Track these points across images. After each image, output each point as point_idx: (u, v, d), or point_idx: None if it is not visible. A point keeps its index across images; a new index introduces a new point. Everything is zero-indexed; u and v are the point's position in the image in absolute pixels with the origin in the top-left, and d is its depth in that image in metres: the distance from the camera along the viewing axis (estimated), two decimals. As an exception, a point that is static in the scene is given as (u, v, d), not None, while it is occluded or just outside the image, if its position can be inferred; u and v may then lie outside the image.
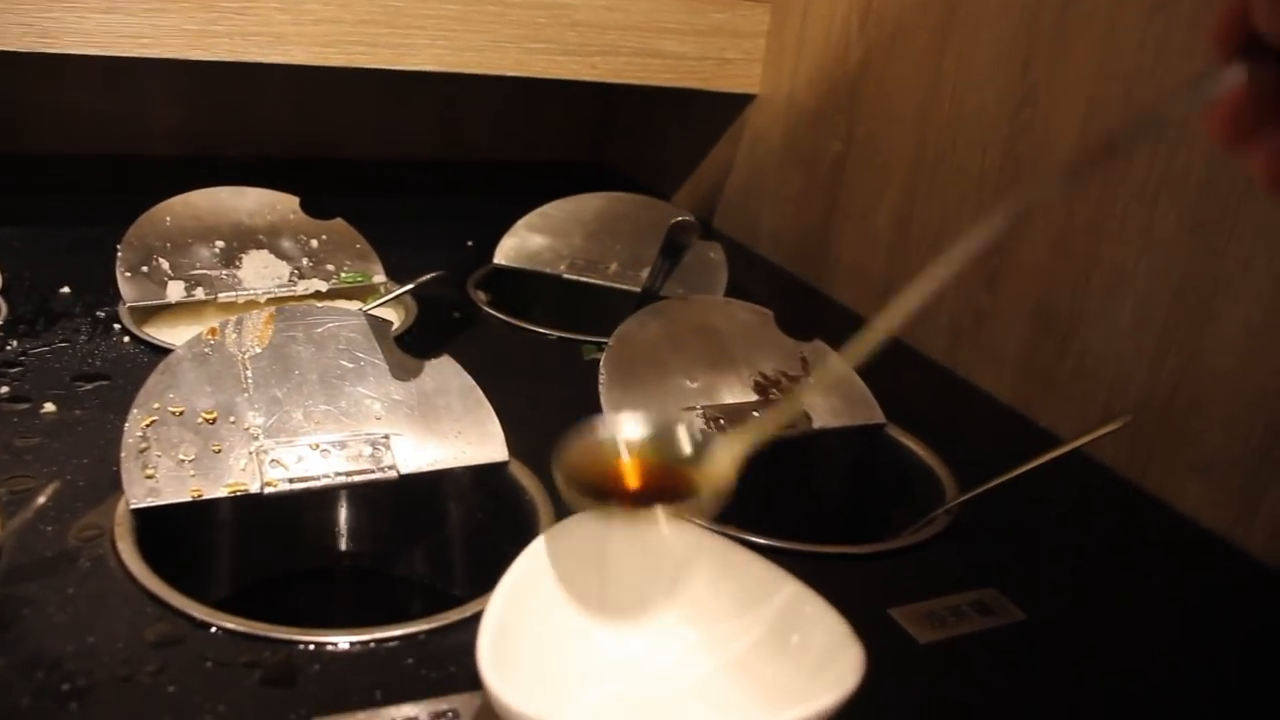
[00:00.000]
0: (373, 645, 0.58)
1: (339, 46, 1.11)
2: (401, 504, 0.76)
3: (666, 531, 0.58)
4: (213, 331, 0.74)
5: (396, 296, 1.00)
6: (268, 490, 0.68)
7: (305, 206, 1.06)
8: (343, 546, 0.78)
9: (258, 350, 0.74)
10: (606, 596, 0.57)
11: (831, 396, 0.87)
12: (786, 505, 0.86)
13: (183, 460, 0.68)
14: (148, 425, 0.68)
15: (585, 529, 0.58)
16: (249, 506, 0.69)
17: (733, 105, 1.40)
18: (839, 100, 1.21)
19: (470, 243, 1.23)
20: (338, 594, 0.81)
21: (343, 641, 0.58)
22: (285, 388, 0.73)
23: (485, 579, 0.55)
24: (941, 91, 1.07)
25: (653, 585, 0.57)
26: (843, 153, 1.21)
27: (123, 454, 0.67)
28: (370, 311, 0.88)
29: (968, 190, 1.04)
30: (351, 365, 0.75)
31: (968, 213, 1.04)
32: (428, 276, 0.97)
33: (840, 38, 1.20)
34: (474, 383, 0.77)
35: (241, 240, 1.02)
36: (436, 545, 0.79)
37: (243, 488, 0.68)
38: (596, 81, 1.25)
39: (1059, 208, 0.93)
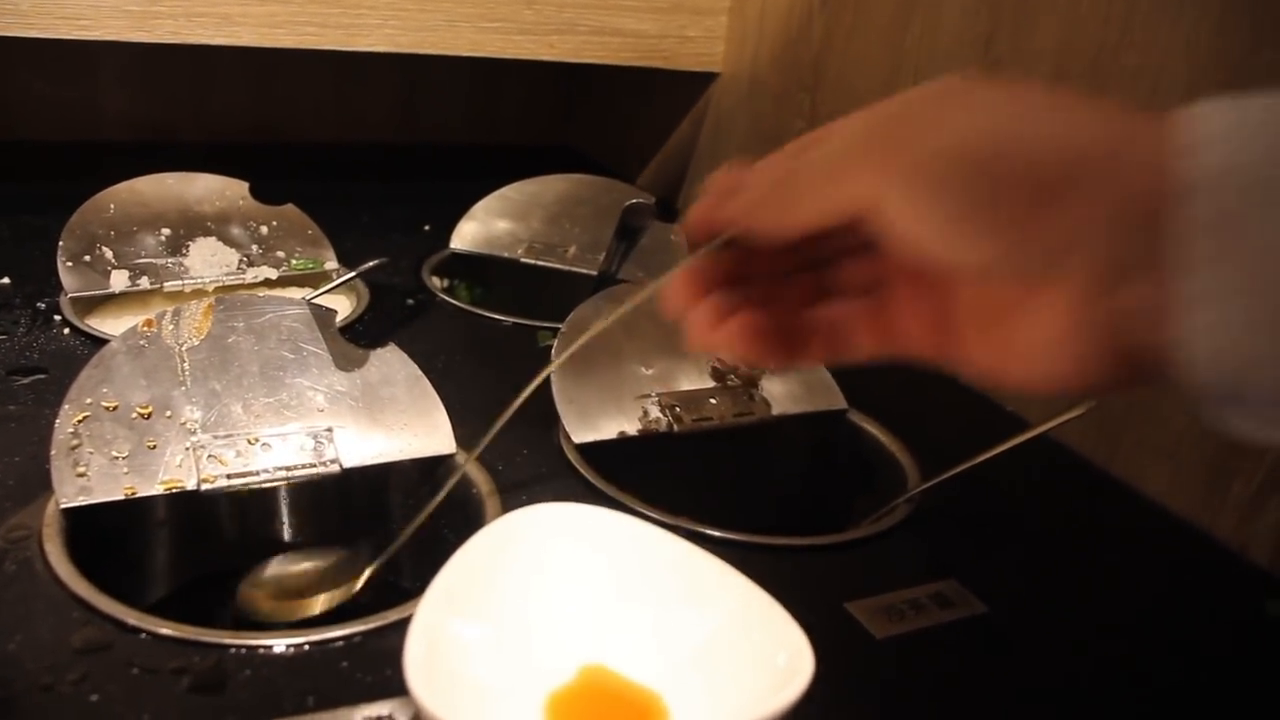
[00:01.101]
0: (307, 648, 0.56)
1: (287, 27, 1.08)
2: (345, 498, 0.74)
3: (612, 527, 0.57)
4: (149, 323, 0.71)
5: (341, 284, 0.97)
6: (205, 487, 0.66)
7: (255, 192, 1.03)
8: (286, 543, 0.76)
9: (195, 342, 0.72)
10: (549, 594, 0.55)
11: (792, 382, 0.85)
12: (744, 495, 0.84)
13: (116, 457, 0.65)
14: (79, 421, 0.66)
15: (526, 525, 0.56)
16: (186, 504, 0.67)
17: (695, 84, 1.37)
18: (802, 78, 1.19)
19: (427, 227, 1.20)
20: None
21: (276, 645, 0.56)
22: (224, 380, 0.71)
23: (433, 573, 0.53)
24: (904, 68, 1.05)
25: (597, 583, 0.55)
26: (806, 131, 1.19)
27: (53, 451, 0.64)
28: (318, 300, 0.86)
29: (931, 169, 1.02)
30: (293, 356, 0.73)
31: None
32: (371, 263, 0.95)
33: (803, 14, 1.18)
34: (420, 373, 0.75)
35: (189, 227, 0.99)
36: (383, 539, 0.76)
37: (179, 485, 0.66)
38: (555, 61, 1.22)
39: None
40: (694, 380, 0.82)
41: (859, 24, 1.10)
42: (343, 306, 0.98)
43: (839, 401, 0.86)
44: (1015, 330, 0.37)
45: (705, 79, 1.35)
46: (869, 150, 0.38)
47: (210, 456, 0.67)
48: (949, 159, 0.35)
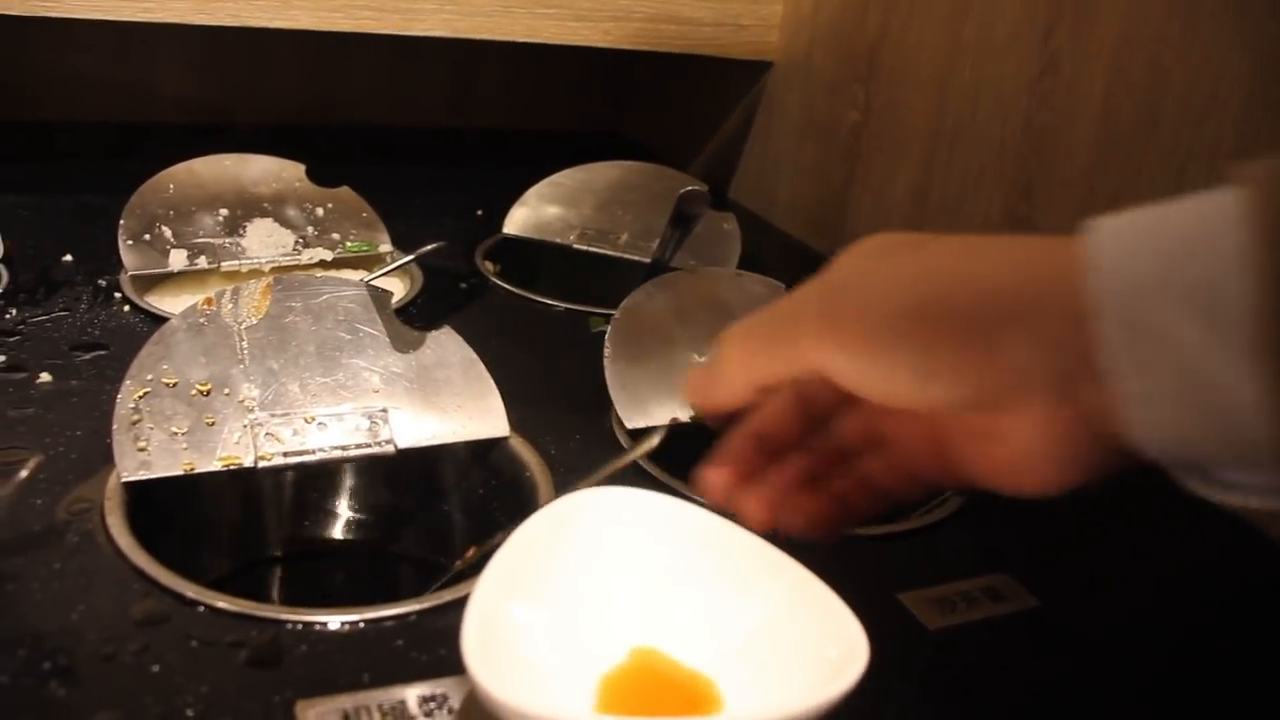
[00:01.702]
0: (362, 626, 0.56)
1: (345, 11, 1.08)
2: (399, 479, 0.75)
3: (666, 512, 0.57)
4: (209, 301, 0.72)
5: (398, 267, 0.98)
6: (262, 464, 0.67)
7: (311, 174, 1.04)
8: (339, 522, 0.77)
9: (254, 321, 0.73)
10: (603, 578, 0.55)
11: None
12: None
13: (175, 433, 0.66)
14: (140, 397, 0.67)
15: (581, 507, 0.56)
16: (243, 481, 0.68)
17: (749, 73, 1.37)
18: (857, 68, 1.18)
19: (480, 212, 1.21)
20: (335, 570, 0.80)
21: (331, 621, 0.56)
22: (281, 360, 0.71)
23: (485, 556, 0.53)
24: (961, 60, 1.04)
25: (651, 567, 0.55)
26: (860, 122, 1.18)
27: (114, 426, 0.65)
28: (373, 282, 0.87)
29: (987, 161, 1.01)
30: (350, 337, 0.74)
31: (987, 184, 1.01)
32: (429, 247, 0.95)
33: (858, 3, 1.17)
34: (475, 355, 0.75)
35: (246, 208, 1.00)
36: (435, 521, 0.77)
37: (236, 461, 0.66)
38: (609, 48, 1.22)
39: (1081, 182, 0.91)
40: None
41: (915, 14, 1.10)
42: (397, 289, 0.99)
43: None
44: (998, 446, 0.40)
45: (759, 68, 1.35)
46: (807, 314, 0.43)
47: (267, 434, 0.68)
48: (879, 316, 0.39)
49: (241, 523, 0.74)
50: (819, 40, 1.25)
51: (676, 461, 0.73)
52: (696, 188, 0.97)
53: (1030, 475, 0.41)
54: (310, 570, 0.78)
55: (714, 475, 0.49)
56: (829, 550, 0.68)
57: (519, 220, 1.14)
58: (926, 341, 0.38)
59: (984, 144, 1.01)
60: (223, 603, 0.56)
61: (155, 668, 0.52)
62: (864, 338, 0.39)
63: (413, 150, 1.51)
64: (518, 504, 0.71)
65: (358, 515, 0.77)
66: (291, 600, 0.75)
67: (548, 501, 0.66)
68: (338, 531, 0.78)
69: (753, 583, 0.54)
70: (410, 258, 0.97)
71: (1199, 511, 0.79)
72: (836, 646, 0.49)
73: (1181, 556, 0.75)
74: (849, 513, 0.49)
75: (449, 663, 0.54)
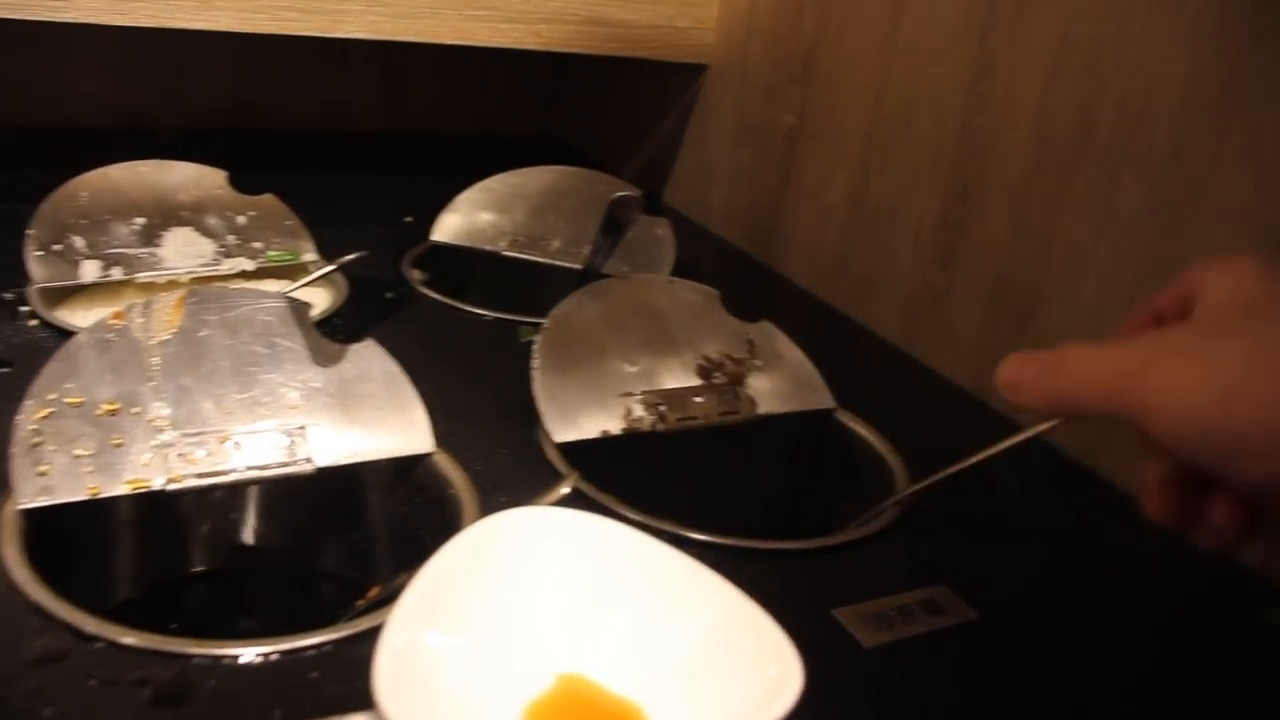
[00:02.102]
0: (276, 657, 0.54)
1: (268, 13, 1.05)
2: (320, 497, 0.72)
3: (595, 532, 0.55)
4: (118, 316, 0.69)
5: (319, 277, 0.95)
6: (172, 487, 0.64)
7: (233, 181, 1.01)
8: (257, 544, 0.74)
9: (166, 336, 0.69)
10: (528, 602, 0.53)
11: (778, 380, 0.83)
12: (729, 497, 0.82)
13: (80, 456, 0.63)
14: (42, 418, 0.63)
15: (505, 528, 0.54)
16: (152, 505, 0.65)
17: (684, 76, 1.35)
18: (793, 71, 1.17)
19: (409, 219, 1.18)
20: (254, 590, 0.76)
21: (242, 654, 0.53)
22: (195, 376, 0.68)
23: (408, 575, 0.51)
24: (897, 63, 1.03)
25: (578, 589, 0.53)
26: (796, 126, 1.17)
27: (13, 449, 0.62)
28: (295, 293, 0.84)
29: (923, 165, 1.00)
30: (267, 351, 0.71)
31: (923, 188, 1.00)
32: (350, 257, 0.93)
33: (794, 6, 1.16)
34: (398, 369, 0.72)
35: (163, 217, 0.97)
36: (359, 541, 0.75)
37: (145, 484, 0.63)
38: (542, 51, 1.20)
39: (1018, 186, 0.90)
40: (679, 378, 0.80)
41: (851, 17, 1.08)
42: (321, 299, 0.96)
43: (827, 400, 0.84)
44: None
45: (694, 71, 1.33)
46: (1151, 366, 0.41)
47: (179, 455, 0.65)
48: (1208, 392, 0.39)
49: (153, 546, 0.70)
50: (754, 43, 1.24)
51: (603, 477, 0.71)
52: (628, 193, 0.95)
53: None
54: (229, 591, 0.75)
55: (1157, 489, 0.47)
56: (760, 567, 0.66)
57: (448, 227, 1.11)
58: (1253, 433, 0.38)
59: (920, 148, 1.00)
60: (126, 637, 0.53)
61: (48, 711, 0.48)
62: (1186, 403, 0.40)
63: (341, 156, 1.48)
64: (442, 522, 0.68)
65: (277, 535, 0.74)
66: (208, 623, 0.72)
67: (472, 520, 0.64)
68: (257, 551, 0.75)
69: (683, 605, 0.52)
70: (331, 267, 0.94)
71: (1137, 518, 0.79)
72: (770, 671, 0.47)
73: (1120, 564, 0.74)
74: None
75: (367, 695, 0.51)
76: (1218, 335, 0.41)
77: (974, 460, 0.71)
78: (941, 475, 0.72)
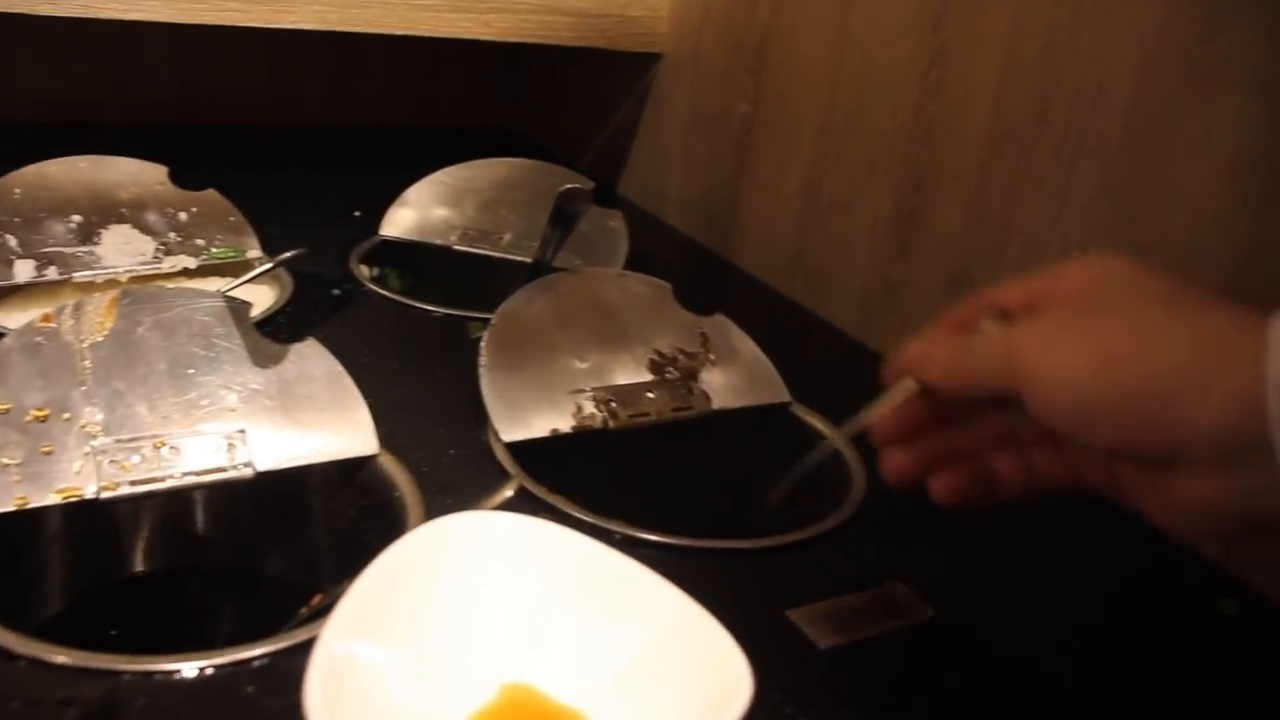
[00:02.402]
0: (210, 672, 0.52)
1: (208, 3, 1.03)
2: (261, 502, 0.70)
3: (540, 538, 0.53)
4: (47, 318, 0.67)
5: (257, 275, 0.92)
6: (105, 495, 0.61)
7: (174, 177, 0.98)
8: (199, 547, 0.72)
9: (98, 338, 0.67)
10: (471, 610, 0.51)
11: (733, 373, 0.82)
12: (683, 495, 0.81)
13: (7, 465, 0.60)
14: (-33, 425, 0.61)
15: (447, 534, 0.52)
16: (85, 514, 0.63)
17: (638, 65, 1.33)
18: (746, 60, 1.16)
19: (358, 213, 1.16)
20: (196, 597, 0.74)
21: (173, 669, 0.51)
22: (129, 379, 0.66)
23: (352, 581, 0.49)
24: (850, 50, 1.01)
25: (522, 596, 0.52)
26: (750, 115, 1.16)
27: (-64, 459, 0.60)
28: (236, 291, 0.82)
29: (878, 154, 0.99)
30: (205, 353, 0.69)
31: (878, 177, 0.99)
32: (289, 254, 0.91)
33: (747, -7, 1.15)
34: (341, 369, 0.71)
35: (101, 214, 0.94)
36: (304, 546, 0.73)
37: (77, 493, 0.61)
38: (492, 40, 1.18)
39: (973, 174, 0.89)
40: (631, 374, 0.79)
41: (804, 5, 1.07)
42: (265, 297, 0.94)
43: (782, 394, 0.83)
44: (1165, 493, 0.42)
45: (648, 60, 1.32)
46: (1036, 345, 0.44)
47: (112, 462, 0.63)
48: (1088, 367, 0.42)
49: (87, 558, 0.68)
50: (708, 31, 1.22)
51: (554, 476, 0.70)
52: (576, 185, 0.93)
53: (1173, 521, 0.43)
54: (167, 601, 0.73)
55: (890, 418, 0.52)
56: (713, 568, 0.65)
57: (397, 222, 1.09)
58: (1119, 395, 0.41)
59: (875, 137, 0.99)
60: (51, 655, 0.51)
61: (-34, 735, 0.47)
62: (1071, 379, 0.43)
63: (290, 150, 1.45)
64: (388, 526, 0.66)
65: (218, 542, 0.72)
66: (145, 636, 0.70)
67: (417, 524, 0.62)
68: (196, 559, 0.73)
69: (630, 611, 0.50)
70: (269, 265, 0.92)
71: (1096, 509, 0.79)
72: (719, 678, 0.46)
73: (1079, 557, 0.73)
74: (989, 490, 0.52)
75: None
76: (1093, 314, 0.44)
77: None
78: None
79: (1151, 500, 0.43)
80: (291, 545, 0.73)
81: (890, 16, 0.97)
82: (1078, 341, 0.43)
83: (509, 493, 0.60)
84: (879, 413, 0.52)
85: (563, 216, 0.91)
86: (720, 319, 0.85)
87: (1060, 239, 0.82)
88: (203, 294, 0.72)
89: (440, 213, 1.10)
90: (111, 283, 0.91)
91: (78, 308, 0.68)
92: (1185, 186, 0.73)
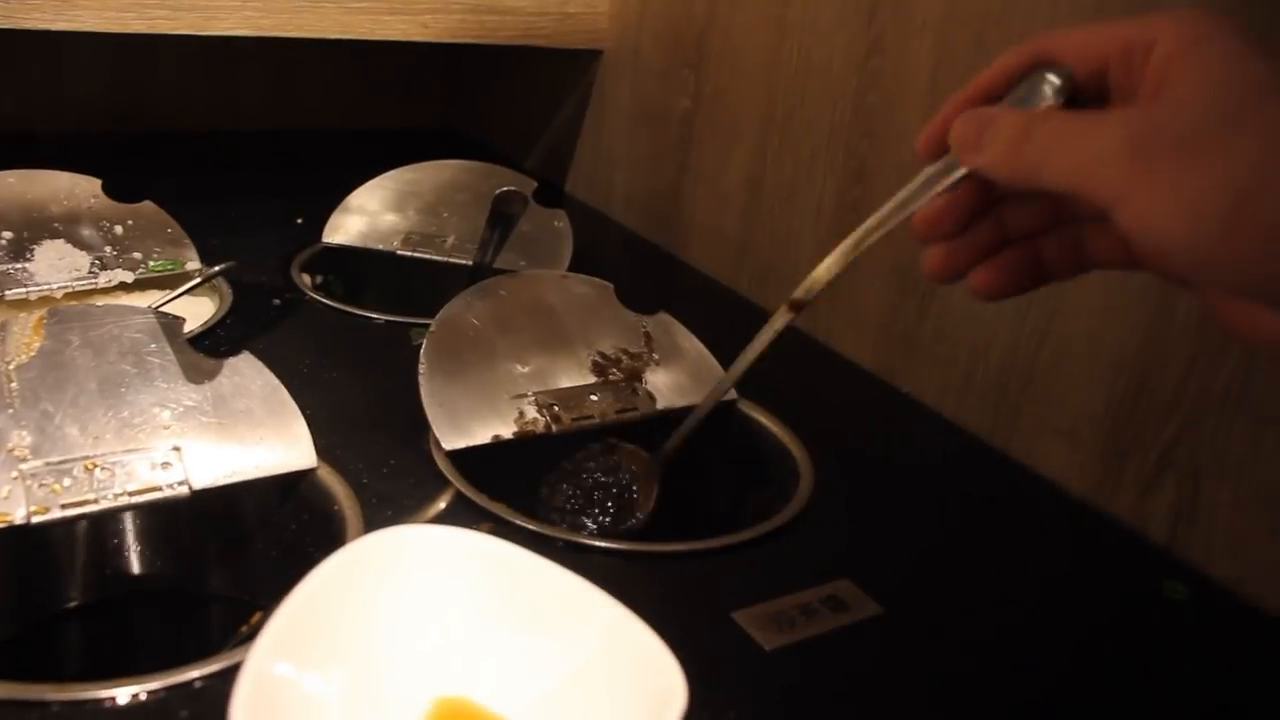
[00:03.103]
0: (143, 698, 0.51)
1: (136, 11, 1.01)
2: (200, 519, 0.69)
3: (475, 551, 0.52)
4: (-30, 340, 0.65)
5: (187, 290, 0.91)
6: (36, 520, 0.60)
7: (109, 189, 0.97)
8: (138, 568, 0.71)
9: (24, 359, 0.66)
10: (405, 625, 0.50)
11: (677, 373, 0.81)
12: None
13: (-69, 491, 0.59)
14: (-110, 453, 0.60)
15: (376, 551, 0.51)
16: (15, 540, 0.61)
17: (579, 63, 1.33)
18: (686, 54, 1.15)
19: (300, 220, 1.14)
20: (138, 619, 0.73)
21: (105, 697, 0.50)
22: (58, 400, 0.65)
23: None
24: (788, 43, 1.01)
25: (457, 611, 0.51)
26: (692, 110, 1.15)
27: None
28: (169, 305, 0.81)
29: (819, 146, 0.99)
30: (136, 370, 0.68)
31: (820, 168, 0.99)
32: (219, 267, 0.89)
33: (685, -12, 1.14)
34: (277, 381, 0.69)
35: (33, 230, 0.92)
36: (246, 563, 0.71)
37: (5, 519, 0.60)
38: (429, 42, 1.17)
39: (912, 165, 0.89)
40: (573, 376, 0.78)
41: (742, -2, 1.07)
42: (204, 310, 0.92)
43: (728, 391, 0.83)
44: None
45: (589, 57, 1.31)
46: (1133, 154, 0.37)
47: (42, 485, 0.62)
48: (1215, 206, 0.34)
49: (19, 584, 0.67)
50: (648, 27, 1.22)
51: (497, 484, 0.69)
52: (512, 187, 0.92)
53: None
54: (111, 621, 0.71)
55: (934, 212, 0.47)
56: (657, 571, 0.64)
57: (339, 228, 1.08)
58: (1248, 251, 0.34)
59: (815, 129, 0.99)
60: (-23, 687, 0.50)
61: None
62: (1187, 202, 0.35)
63: (230, 157, 1.44)
64: (329, 539, 0.65)
65: (157, 562, 0.71)
66: (82, 663, 0.69)
67: (357, 536, 0.62)
68: (138, 578, 0.71)
69: (565, 622, 0.50)
70: (197, 281, 0.90)
71: (1044, 497, 0.79)
72: (653, 687, 0.45)
73: (1026, 545, 0.74)
74: (1038, 275, 0.46)
75: (237, 735, 0.49)
76: (1215, 134, 0.35)
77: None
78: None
79: (1249, 323, 0.37)
80: (232, 563, 0.72)
81: (827, 8, 0.96)
82: (1203, 167, 0.35)
83: (442, 504, 0.60)
84: (920, 201, 0.47)
85: (500, 218, 0.91)
86: (664, 317, 0.84)
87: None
88: (133, 310, 0.71)
89: (383, 217, 1.09)
90: (46, 300, 0.89)
91: (3, 328, 0.66)
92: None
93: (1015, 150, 0.40)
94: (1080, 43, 0.42)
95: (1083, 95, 0.42)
